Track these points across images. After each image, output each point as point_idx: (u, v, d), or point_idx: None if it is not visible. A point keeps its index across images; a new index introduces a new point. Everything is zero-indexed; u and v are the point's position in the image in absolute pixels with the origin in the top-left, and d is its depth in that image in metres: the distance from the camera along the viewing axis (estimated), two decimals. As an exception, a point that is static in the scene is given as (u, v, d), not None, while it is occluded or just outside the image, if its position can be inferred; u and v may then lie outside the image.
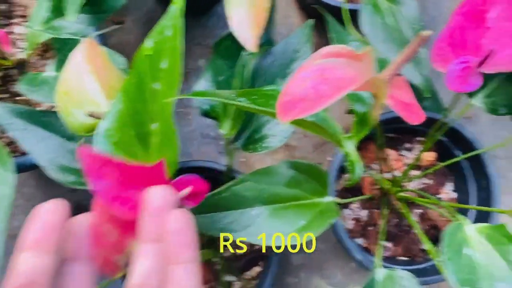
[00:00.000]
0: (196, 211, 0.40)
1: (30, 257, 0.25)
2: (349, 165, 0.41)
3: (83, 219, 0.29)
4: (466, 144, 0.56)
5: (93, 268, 0.29)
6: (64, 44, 0.47)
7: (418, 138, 0.61)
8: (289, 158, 0.73)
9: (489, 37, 0.37)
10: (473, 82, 0.38)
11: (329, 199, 0.45)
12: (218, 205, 0.42)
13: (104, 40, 0.63)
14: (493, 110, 0.49)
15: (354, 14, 0.54)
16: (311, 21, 0.53)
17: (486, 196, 0.55)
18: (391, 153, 0.60)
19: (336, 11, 0.59)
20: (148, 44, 0.36)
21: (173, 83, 0.36)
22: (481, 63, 0.37)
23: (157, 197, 0.28)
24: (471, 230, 0.39)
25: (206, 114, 0.51)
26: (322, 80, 0.31)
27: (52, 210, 0.26)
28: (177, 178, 0.35)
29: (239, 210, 0.42)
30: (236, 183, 0.42)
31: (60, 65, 0.47)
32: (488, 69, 0.37)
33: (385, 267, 0.55)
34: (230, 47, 0.50)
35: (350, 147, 0.42)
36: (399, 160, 0.60)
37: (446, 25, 0.37)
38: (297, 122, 0.41)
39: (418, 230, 0.49)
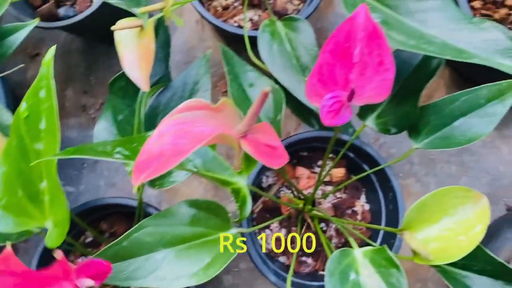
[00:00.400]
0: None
1: None
2: (239, 201, 0.42)
3: None
4: (371, 159, 0.58)
5: None
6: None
7: (330, 155, 0.63)
8: (214, 180, 0.74)
9: (356, 72, 0.38)
10: (344, 115, 0.39)
11: (234, 231, 0.45)
12: (119, 255, 0.41)
13: (14, 78, 0.62)
14: (385, 130, 0.51)
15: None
16: (209, 53, 0.54)
17: (393, 207, 0.57)
18: (303, 172, 0.62)
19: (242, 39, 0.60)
20: (23, 107, 0.36)
21: (54, 142, 0.37)
22: (350, 97, 0.39)
23: None
24: (358, 254, 0.41)
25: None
26: (181, 134, 0.32)
27: None
28: (79, 265, 0.35)
29: (142, 256, 0.42)
30: (135, 230, 0.42)
31: None
32: (357, 102, 0.39)
33: (303, 284, 0.57)
34: (125, 86, 0.50)
35: (241, 182, 0.43)
36: (313, 178, 0.62)
37: (316, 62, 0.38)
38: (180, 167, 0.42)
39: (326, 247, 0.50)
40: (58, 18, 0.66)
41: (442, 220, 0.43)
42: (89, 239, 0.63)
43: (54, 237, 0.38)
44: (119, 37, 0.47)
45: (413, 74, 0.49)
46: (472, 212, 0.43)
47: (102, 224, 0.62)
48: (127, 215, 0.62)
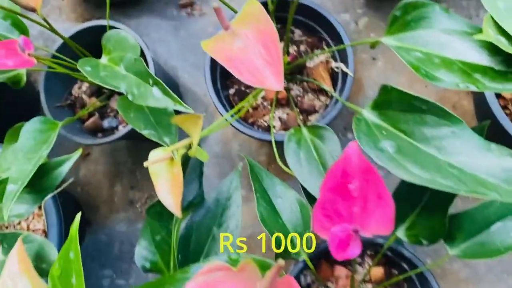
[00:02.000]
0: None
1: None
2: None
3: None
4: (408, 260, 0.57)
5: None
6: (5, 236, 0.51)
7: (368, 252, 0.63)
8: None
9: (358, 206, 0.39)
10: (354, 247, 0.39)
11: None
12: None
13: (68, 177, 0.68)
14: (417, 242, 0.50)
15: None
16: (240, 167, 0.57)
17: (436, 308, 0.56)
18: (342, 271, 0.62)
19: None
20: (56, 266, 0.40)
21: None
22: (356, 230, 0.39)
23: None
24: None
25: (146, 270, 0.54)
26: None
27: None
28: None
29: None
30: None
31: (5, 252, 0.52)
32: (366, 234, 0.39)
33: None
34: (160, 211, 0.54)
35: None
36: (350, 276, 0.61)
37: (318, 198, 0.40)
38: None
39: None
40: (103, 129, 0.72)
41: None
42: None
43: None
44: (153, 168, 0.51)
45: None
46: None
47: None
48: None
